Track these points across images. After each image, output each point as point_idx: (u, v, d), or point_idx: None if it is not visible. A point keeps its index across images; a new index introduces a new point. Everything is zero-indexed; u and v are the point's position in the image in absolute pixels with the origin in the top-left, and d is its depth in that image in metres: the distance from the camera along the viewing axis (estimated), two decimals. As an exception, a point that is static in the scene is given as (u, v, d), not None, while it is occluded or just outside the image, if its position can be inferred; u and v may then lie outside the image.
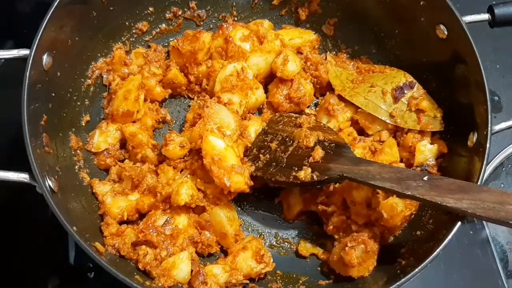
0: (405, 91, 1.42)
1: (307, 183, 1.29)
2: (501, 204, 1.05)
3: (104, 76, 1.49)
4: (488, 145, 1.20)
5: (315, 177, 1.28)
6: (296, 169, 1.31)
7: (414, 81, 1.42)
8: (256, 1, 1.61)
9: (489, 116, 1.22)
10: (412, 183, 1.15)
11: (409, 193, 1.14)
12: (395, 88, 1.42)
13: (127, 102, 1.40)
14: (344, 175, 1.24)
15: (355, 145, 1.39)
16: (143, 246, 1.27)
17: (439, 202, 1.10)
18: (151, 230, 1.28)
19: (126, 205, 1.33)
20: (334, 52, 1.60)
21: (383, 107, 1.42)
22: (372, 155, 1.39)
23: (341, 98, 1.48)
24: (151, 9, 1.54)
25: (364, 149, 1.39)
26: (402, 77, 1.44)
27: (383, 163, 1.30)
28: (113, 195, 1.34)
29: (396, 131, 1.43)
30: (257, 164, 1.36)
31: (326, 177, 1.27)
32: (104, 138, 1.42)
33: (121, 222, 1.32)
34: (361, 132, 1.46)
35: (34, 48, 1.20)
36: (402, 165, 1.38)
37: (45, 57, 1.24)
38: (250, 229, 1.44)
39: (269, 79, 1.53)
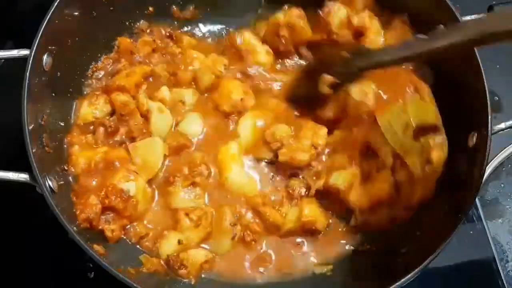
0: (427, 134, 1.33)
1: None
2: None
3: (111, 68, 1.48)
4: (488, 145, 1.20)
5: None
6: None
7: (441, 127, 1.34)
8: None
9: (489, 116, 1.22)
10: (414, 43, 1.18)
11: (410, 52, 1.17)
12: (419, 126, 1.34)
13: (127, 80, 1.40)
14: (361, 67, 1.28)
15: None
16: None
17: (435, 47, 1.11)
18: (113, 197, 1.28)
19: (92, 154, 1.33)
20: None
21: (401, 136, 1.35)
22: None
23: None
24: (151, 9, 1.54)
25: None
26: (434, 117, 1.35)
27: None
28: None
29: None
30: None
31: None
32: (92, 109, 1.40)
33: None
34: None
35: (34, 48, 1.20)
36: None
37: (45, 57, 1.24)
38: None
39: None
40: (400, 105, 1.39)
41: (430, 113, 1.36)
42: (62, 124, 1.36)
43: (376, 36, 1.46)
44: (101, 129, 1.38)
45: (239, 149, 1.41)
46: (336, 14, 1.45)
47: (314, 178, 1.39)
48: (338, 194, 1.36)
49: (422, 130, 1.35)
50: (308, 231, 1.36)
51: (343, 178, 1.35)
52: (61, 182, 1.26)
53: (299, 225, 1.34)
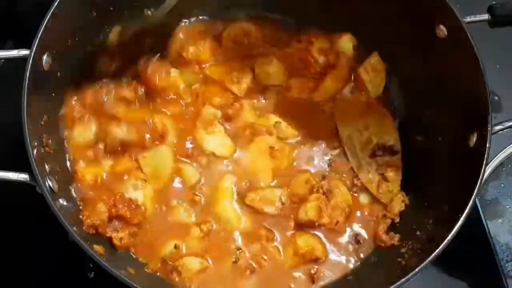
0: (384, 154, 1.43)
1: None
2: None
3: None
4: (488, 145, 1.20)
5: None
6: None
7: (399, 150, 1.44)
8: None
9: (489, 116, 1.22)
10: None
11: None
12: (378, 145, 1.44)
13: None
14: None
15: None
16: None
17: None
18: (121, 205, 1.28)
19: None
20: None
21: (358, 152, 1.43)
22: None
23: None
24: (152, 9, 1.54)
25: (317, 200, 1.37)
26: (393, 140, 1.45)
27: None
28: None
29: None
30: None
31: None
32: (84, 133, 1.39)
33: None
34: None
35: (34, 48, 1.20)
36: None
37: (45, 57, 1.24)
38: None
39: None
40: (363, 123, 1.44)
41: (391, 135, 1.45)
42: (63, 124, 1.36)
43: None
44: (101, 146, 1.39)
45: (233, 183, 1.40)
46: (319, 42, 1.52)
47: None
48: (313, 223, 1.35)
49: (381, 150, 1.41)
50: (312, 260, 1.33)
51: (310, 208, 1.34)
52: (69, 195, 1.28)
53: (298, 259, 1.33)
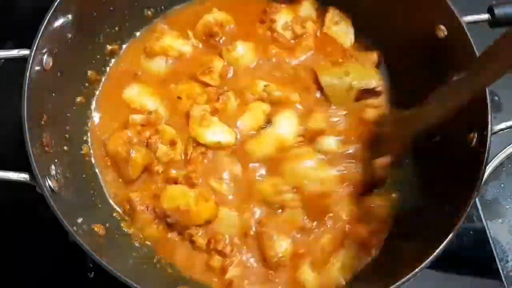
0: (368, 96, 1.44)
1: None
2: None
3: None
4: (488, 145, 1.20)
5: None
6: None
7: (382, 92, 1.45)
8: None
9: (489, 116, 1.22)
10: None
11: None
12: (362, 90, 1.44)
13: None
14: None
15: None
16: None
17: None
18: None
19: None
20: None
21: (343, 96, 1.45)
22: None
23: None
24: (152, 10, 1.54)
25: None
26: (375, 81, 1.45)
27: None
28: None
29: None
30: None
31: None
32: None
33: None
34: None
35: (34, 48, 1.20)
36: None
37: (45, 57, 1.24)
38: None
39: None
40: (343, 69, 1.47)
41: (372, 78, 1.46)
42: (64, 125, 1.36)
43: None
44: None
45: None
46: (281, 17, 1.52)
47: None
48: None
49: (364, 93, 1.44)
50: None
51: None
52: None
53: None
